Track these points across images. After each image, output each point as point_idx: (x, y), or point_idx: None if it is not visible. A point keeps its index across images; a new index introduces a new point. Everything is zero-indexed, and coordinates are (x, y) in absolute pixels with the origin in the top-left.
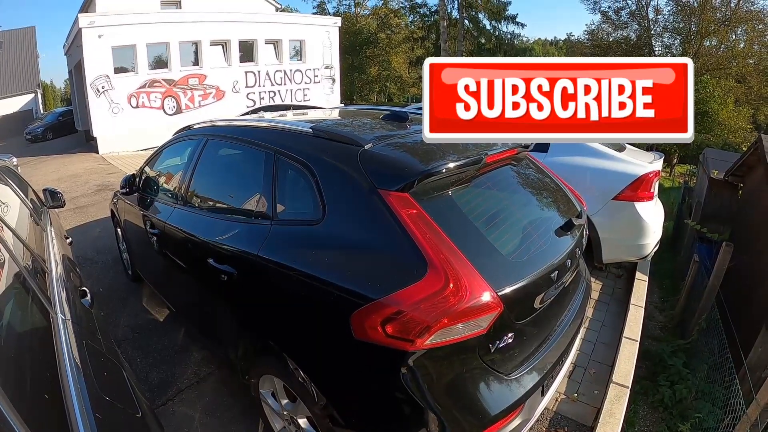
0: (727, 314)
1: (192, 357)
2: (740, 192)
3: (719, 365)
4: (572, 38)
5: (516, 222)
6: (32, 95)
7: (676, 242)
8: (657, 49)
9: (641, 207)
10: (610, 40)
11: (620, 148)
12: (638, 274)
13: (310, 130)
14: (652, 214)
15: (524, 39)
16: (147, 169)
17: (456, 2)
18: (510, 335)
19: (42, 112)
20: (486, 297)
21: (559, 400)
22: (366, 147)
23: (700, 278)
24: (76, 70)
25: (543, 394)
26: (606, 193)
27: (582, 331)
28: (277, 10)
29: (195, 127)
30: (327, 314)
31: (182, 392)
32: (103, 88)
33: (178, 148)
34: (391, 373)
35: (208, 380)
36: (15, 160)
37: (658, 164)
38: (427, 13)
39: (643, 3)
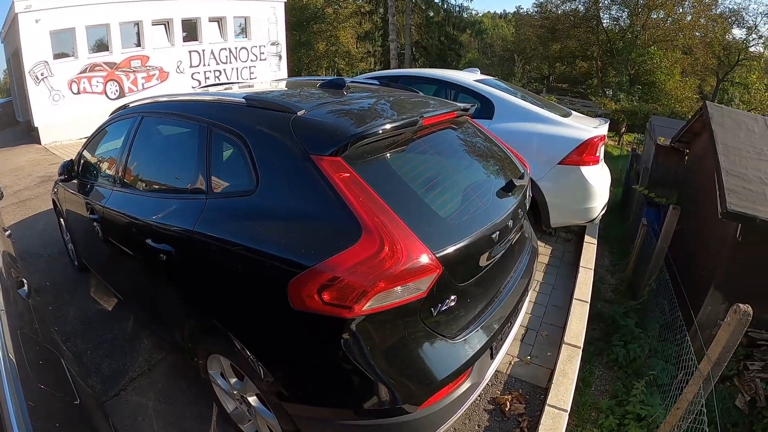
0: (677, 275)
1: (143, 344)
2: (686, 158)
3: (670, 324)
4: (521, 11)
5: (456, 184)
6: None
7: (625, 208)
8: (605, 21)
9: (587, 171)
10: (559, 12)
11: (566, 114)
12: (587, 238)
13: (244, 100)
14: (599, 178)
15: (473, 12)
16: (85, 153)
17: None
18: (453, 298)
19: None
20: (423, 259)
21: (512, 363)
22: (299, 114)
23: (648, 241)
24: (14, 58)
25: (492, 356)
26: (552, 158)
27: (533, 294)
28: None
29: (131, 105)
30: (264, 286)
31: (135, 381)
32: (42, 75)
33: (115, 129)
34: (332, 342)
35: (160, 366)
36: None
37: (603, 129)
38: None
39: None
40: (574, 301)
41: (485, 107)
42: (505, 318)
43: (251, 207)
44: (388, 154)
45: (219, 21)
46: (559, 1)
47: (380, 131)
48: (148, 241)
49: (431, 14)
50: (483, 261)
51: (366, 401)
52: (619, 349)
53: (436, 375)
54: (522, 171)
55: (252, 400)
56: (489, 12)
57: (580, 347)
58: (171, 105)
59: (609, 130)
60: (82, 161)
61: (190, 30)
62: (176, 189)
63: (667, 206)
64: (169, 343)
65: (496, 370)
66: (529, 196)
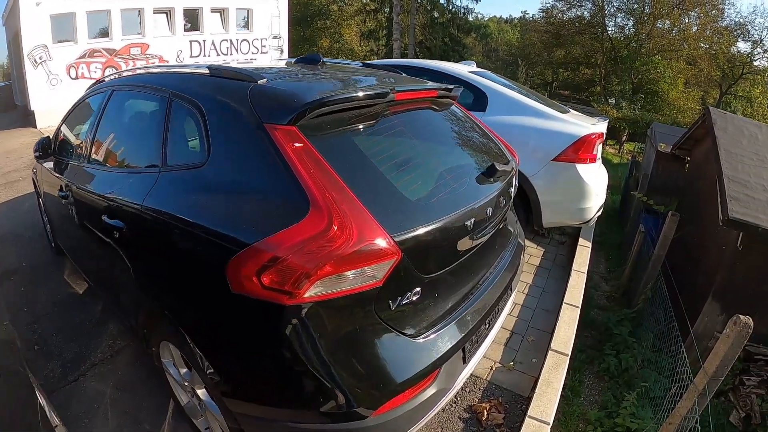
0: (673, 284)
1: (108, 330)
2: (687, 166)
3: (665, 334)
4: (527, 16)
5: (429, 166)
6: None
7: (623, 215)
8: (610, 28)
9: (583, 169)
10: (564, 18)
11: (563, 110)
12: (581, 240)
13: (207, 70)
14: (595, 178)
15: (479, 15)
16: (62, 129)
17: None
18: (416, 291)
19: None
20: (378, 241)
21: (493, 368)
22: (259, 82)
23: (646, 249)
24: (14, 41)
25: (465, 360)
26: (546, 153)
27: (520, 296)
28: None
29: (106, 80)
30: (204, 265)
31: (95, 367)
32: (40, 58)
33: (88, 105)
34: (272, 333)
35: (123, 353)
36: None
37: (601, 126)
38: None
39: None
40: (564, 305)
41: (478, 99)
42: (481, 318)
43: (199, 180)
44: (352, 128)
45: (221, 12)
46: (564, 7)
47: (341, 100)
48: (104, 217)
49: (436, 15)
50: (455, 251)
51: (312, 403)
52: (611, 358)
53: (393, 377)
54: (509, 159)
55: (201, 393)
56: (495, 16)
57: (567, 355)
58: (139, 77)
59: (610, 138)
60: (58, 139)
61: (192, 20)
62: (135, 163)
63: (665, 214)
64: (128, 328)
65: (473, 376)
66: (515, 185)
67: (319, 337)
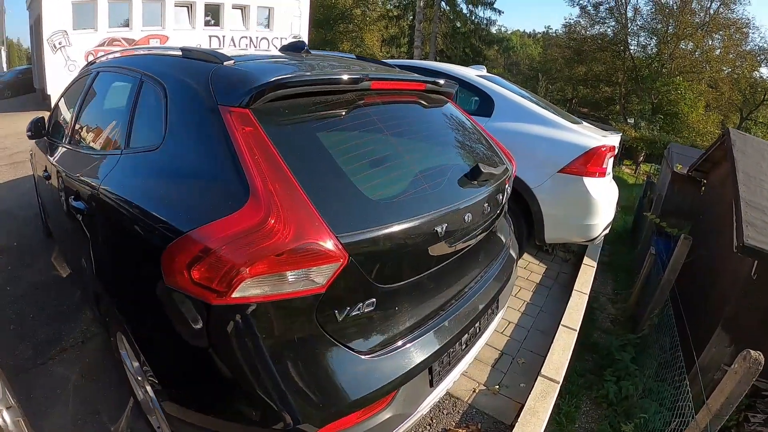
0: (682, 311)
1: (85, 316)
2: (703, 188)
3: (670, 363)
4: (550, 32)
5: (400, 164)
6: None
7: (635, 236)
8: (633, 47)
9: (591, 183)
10: (586, 34)
11: (574, 122)
12: (586, 259)
13: (180, 51)
14: (604, 193)
15: (503, 29)
16: (56, 110)
17: None
18: (369, 302)
19: (5, 69)
20: (320, 241)
21: (477, 390)
22: (225, 63)
23: (655, 272)
24: (36, 25)
25: (433, 384)
26: (552, 164)
27: (515, 314)
28: None
29: (97, 61)
30: (144, 254)
31: (65, 352)
32: (60, 44)
33: (77, 86)
34: (199, 335)
35: (94, 341)
36: None
37: (613, 140)
38: None
39: (623, 1)
40: (561, 327)
41: (484, 104)
42: (454, 336)
43: (151, 163)
44: (316, 117)
45: (243, 9)
46: (587, 24)
47: (303, 82)
48: (71, 199)
49: (458, 25)
50: (422, 261)
51: (242, 416)
52: (611, 384)
53: (336, 397)
54: (502, 164)
55: (149, 389)
56: (518, 30)
57: (558, 382)
58: (121, 59)
59: (626, 159)
60: (52, 119)
61: (213, 15)
62: (104, 145)
63: (678, 237)
64: (96, 316)
65: (453, 397)
66: (507, 192)
67: (249, 345)
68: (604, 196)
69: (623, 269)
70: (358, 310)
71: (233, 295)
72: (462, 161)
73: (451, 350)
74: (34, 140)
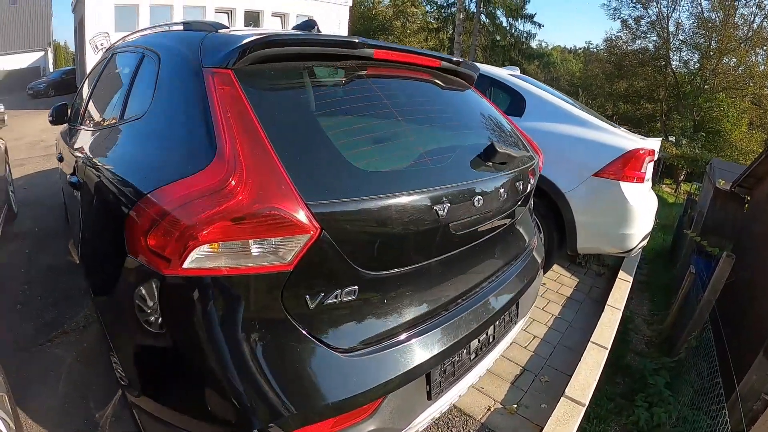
0: (722, 334)
1: (89, 302)
2: (746, 205)
3: (707, 390)
4: (591, 47)
5: (401, 137)
6: (42, 53)
7: (674, 256)
8: (674, 62)
9: (628, 188)
10: (627, 49)
11: (612, 125)
12: (621, 273)
13: (182, 25)
14: (642, 201)
15: (543, 44)
16: (80, 94)
17: None
18: (350, 290)
19: (51, 70)
20: (285, 207)
21: (492, 409)
22: (219, 31)
23: (695, 292)
24: (79, 27)
25: (431, 396)
26: (587, 167)
27: (541, 328)
28: None
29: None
30: (115, 223)
31: (66, 334)
32: (101, 45)
33: (95, 70)
34: (153, 313)
35: (95, 326)
36: (2, 107)
37: (652, 143)
38: (445, 4)
39: (664, 14)
40: (590, 344)
41: (515, 102)
42: (458, 342)
43: (135, 130)
44: (308, 82)
45: (282, 17)
46: (628, 38)
47: (292, 42)
48: (68, 176)
49: (498, 38)
50: (420, 246)
51: (199, 410)
52: (642, 410)
53: (304, 400)
54: (527, 153)
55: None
56: (558, 46)
57: (583, 404)
58: (130, 40)
59: (666, 177)
60: (75, 106)
61: (253, 21)
62: (103, 121)
63: (719, 256)
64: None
65: (464, 414)
66: (531, 184)
67: (203, 328)
68: (642, 204)
69: (661, 289)
70: (335, 297)
71: (184, 265)
72: (476, 141)
73: (456, 359)
74: (53, 125)
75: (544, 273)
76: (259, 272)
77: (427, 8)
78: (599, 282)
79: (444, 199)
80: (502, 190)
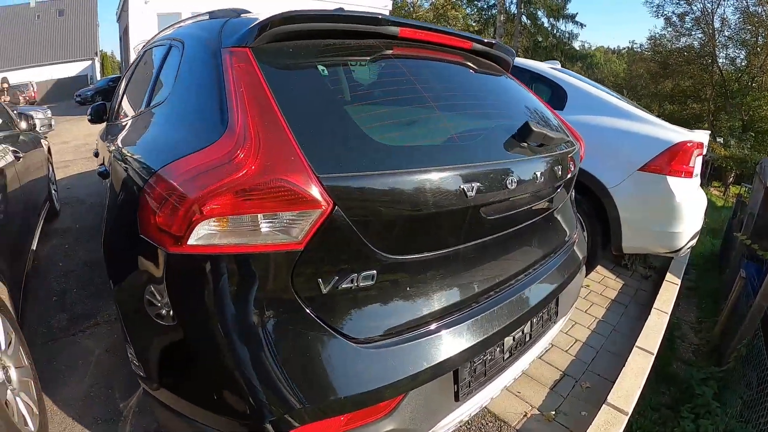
0: None
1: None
2: None
3: (756, 402)
4: (635, 47)
5: (428, 113)
6: (89, 62)
7: (723, 261)
8: (721, 60)
9: (676, 183)
10: (672, 47)
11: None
12: (669, 276)
13: (208, 15)
14: (690, 197)
15: (586, 45)
16: (116, 92)
17: None
18: (368, 274)
19: (98, 78)
20: (294, 179)
21: (528, 415)
22: (241, 15)
23: (745, 299)
24: (124, 35)
25: (459, 397)
26: (632, 161)
27: (584, 332)
28: None
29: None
30: (129, 205)
31: (97, 326)
32: None
33: (130, 68)
34: (157, 292)
35: None
36: (50, 113)
37: (701, 135)
38: (485, 6)
39: (709, 10)
40: (635, 349)
41: (556, 96)
42: (489, 338)
43: (156, 115)
44: (330, 60)
45: None
46: (673, 36)
47: (310, 17)
48: (101, 165)
49: (540, 39)
50: (446, 228)
51: (202, 398)
52: (688, 422)
53: (314, 393)
54: (567, 138)
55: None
56: (602, 47)
57: (626, 413)
58: (162, 35)
59: (715, 180)
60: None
61: None
62: (129, 113)
63: None
64: None
65: (498, 419)
66: (572, 172)
67: (209, 311)
68: (690, 201)
69: (709, 295)
70: (351, 282)
71: (190, 242)
72: (509, 123)
73: (488, 357)
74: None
75: (588, 274)
76: (267, 251)
77: (468, 10)
78: (645, 285)
79: (472, 177)
80: (538, 173)
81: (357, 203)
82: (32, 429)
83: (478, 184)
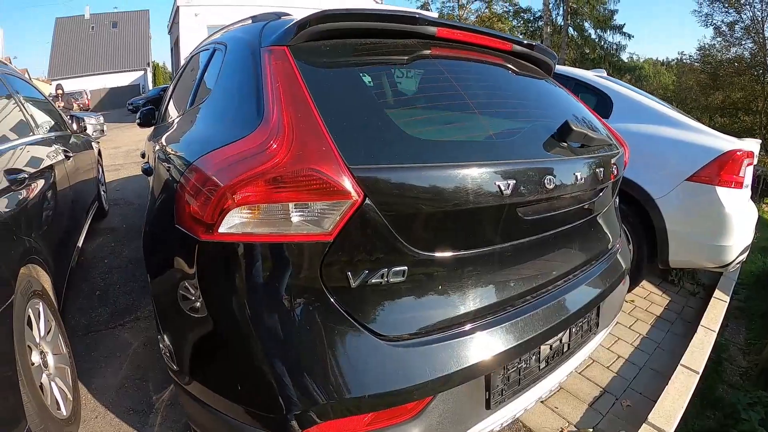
0: None
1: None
2: None
3: None
4: (684, 58)
5: (464, 110)
6: (142, 72)
7: None
8: None
9: (725, 194)
10: (722, 58)
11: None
12: (717, 293)
13: (251, 19)
14: (740, 208)
15: (634, 57)
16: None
17: (561, 8)
18: (398, 270)
19: (150, 88)
20: (325, 169)
21: (564, 431)
22: (282, 18)
23: None
24: (175, 46)
25: (490, 405)
26: (679, 170)
27: (627, 348)
28: (377, 3)
29: None
30: (167, 197)
31: (137, 321)
32: None
33: (177, 74)
34: (188, 281)
35: None
36: (102, 119)
37: (751, 144)
38: (531, 18)
39: (759, 19)
40: (679, 368)
41: (601, 104)
42: (525, 343)
43: (196, 113)
44: (367, 59)
45: None
46: (722, 46)
47: (349, 16)
48: (145, 163)
49: (587, 51)
50: (481, 226)
51: (228, 389)
52: None
53: (338, 389)
54: (611, 141)
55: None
56: (650, 58)
57: None
58: (207, 40)
59: (766, 196)
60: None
61: None
62: (173, 114)
63: None
64: None
65: None
66: (616, 176)
67: (234, 297)
68: (740, 212)
69: (759, 316)
70: (381, 277)
71: (220, 230)
72: (548, 123)
73: (523, 365)
74: (140, 126)
75: (633, 288)
76: (297, 241)
77: (514, 23)
78: (693, 302)
79: (508, 175)
80: (578, 175)
81: (389, 196)
82: (64, 413)
83: (515, 182)
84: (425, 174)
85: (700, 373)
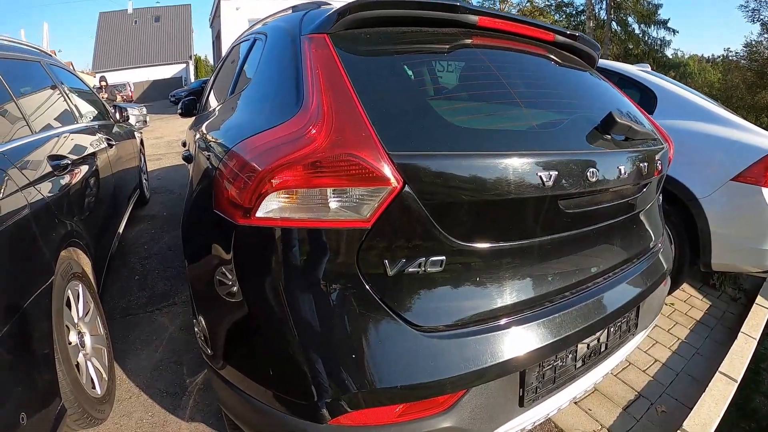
0: None
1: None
2: None
3: None
4: (730, 54)
5: (506, 99)
6: (184, 65)
7: None
8: None
9: None
10: None
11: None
12: (760, 299)
13: (291, 9)
14: None
15: (678, 53)
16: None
17: (604, 2)
18: (436, 260)
19: (192, 80)
20: (364, 154)
21: None
22: (322, 7)
23: None
24: (217, 40)
25: (524, 402)
26: (724, 170)
27: (665, 352)
28: None
29: None
30: (206, 183)
31: (173, 306)
32: None
33: (218, 65)
34: (224, 265)
35: None
36: (145, 110)
37: None
38: (574, 12)
39: None
40: (717, 375)
41: (645, 99)
42: (561, 341)
43: (237, 101)
44: (408, 48)
45: None
46: None
47: (388, 5)
48: (186, 150)
49: (630, 46)
50: (521, 217)
51: (259, 374)
52: None
53: (370, 377)
54: (656, 136)
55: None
56: (695, 55)
57: None
58: (249, 31)
59: None
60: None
61: None
62: (214, 103)
63: None
64: None
65: None
66: (661, 171)
67: (270, 283)
68: None
69: None
70: (419, 266)
71: (258, 214)
72: (591, 115)
73: (558, 363)
74: (181, 116)
75: (673, 291)
76: (334, 227)
77: (556, 17)
78: (733, 308)
79: (551, 165)
80: (621, 168)
81: (429, 184)
82: (99, 393)
83: (557, 173)
84: (466, 162)
85: (738, 382)
